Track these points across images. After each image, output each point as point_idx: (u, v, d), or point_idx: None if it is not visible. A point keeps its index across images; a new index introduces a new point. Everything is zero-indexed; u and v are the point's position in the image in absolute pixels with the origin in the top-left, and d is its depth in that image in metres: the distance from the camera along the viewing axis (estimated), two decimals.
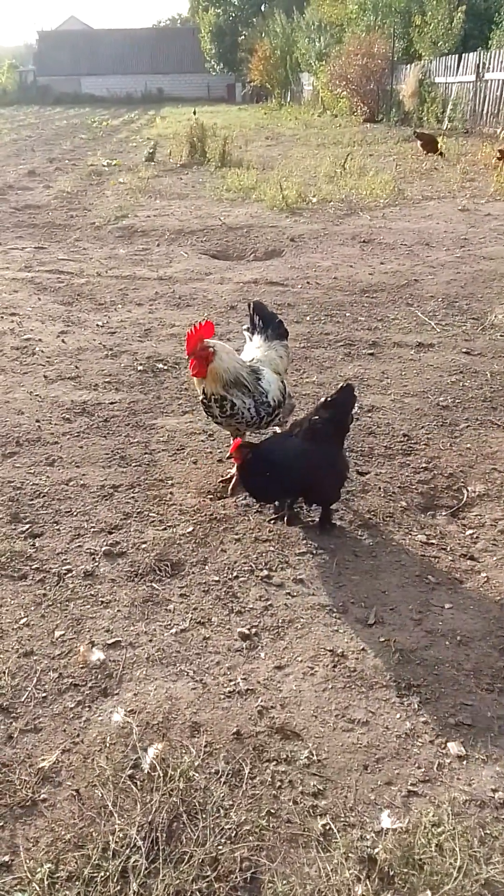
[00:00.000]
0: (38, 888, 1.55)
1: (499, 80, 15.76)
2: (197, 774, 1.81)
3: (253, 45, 33.83)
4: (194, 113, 24.55)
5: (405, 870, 1.60)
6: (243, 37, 38.93)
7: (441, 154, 12.50)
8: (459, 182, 10.36)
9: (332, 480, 2.78)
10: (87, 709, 2.02)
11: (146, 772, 1.81)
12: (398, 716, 2.00)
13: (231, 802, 1.75)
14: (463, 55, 17.18)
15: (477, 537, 2.79)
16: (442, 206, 9.01)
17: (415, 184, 10.45)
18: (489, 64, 16.10)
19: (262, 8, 40.98)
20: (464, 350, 4.61)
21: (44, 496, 3.04)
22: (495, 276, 6.10)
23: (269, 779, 1.82)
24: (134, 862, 1.60)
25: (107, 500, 3.03)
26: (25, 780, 1.81)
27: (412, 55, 19.80)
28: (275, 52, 31.06)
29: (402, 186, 10.11)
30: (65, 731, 1.96)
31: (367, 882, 1.57)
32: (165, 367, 4.42)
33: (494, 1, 19.15)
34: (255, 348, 3.14)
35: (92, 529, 2.83)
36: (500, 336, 4.84)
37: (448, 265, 6.46)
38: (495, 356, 4.52)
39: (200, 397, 2.92)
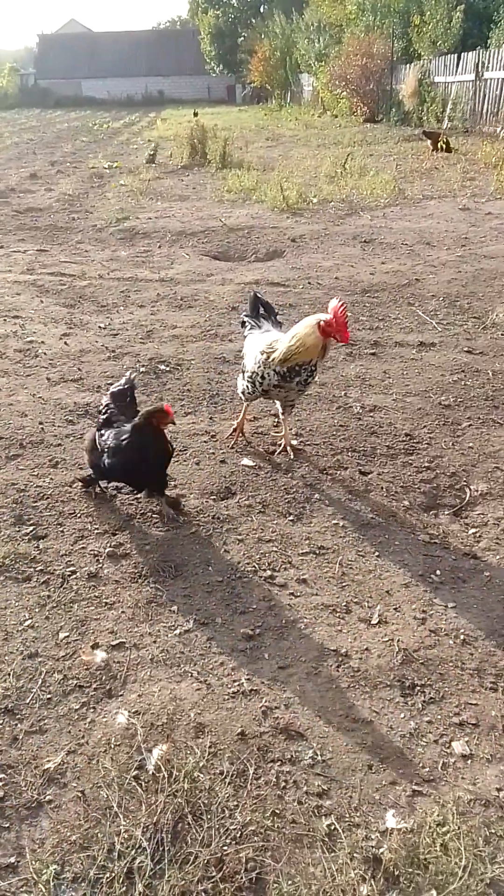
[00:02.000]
0: (43, 889, 1.55)
1: (498, 79, 15.75)
2: (202, 775, 1.82)
3: (252, 46, 33.89)
4: (195, 114, 24.63)
5: (410, 869, 1.60)
6: (243, 38, 39.00)
7: (450, 150, 12.60)
8: (460, 181, 10.36)
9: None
10: (92, 710, 2.03)
11: (151, 773, 1.82)
12: (402, 715, 2.00)
13: (236, 803, 1.75)
14: (462, 54, 17.17)
15: (480, 536, 2.79)
16: (442, 205, 9.01)
17: (415, 183, 10.45)
18: (488, 63, 16.10)
19: (262, 9, 41.10)
20: (465, 349, 4.61)
21: (47, 498, 3.05)
22: (496, 275, 6.10)
23: (274, 779, 1.82)
24: (139, 863, 1.60)
25: (110, 501, 3.03)
26: (31, 782, 1.81)
27: (411, 55, 19.81)
28: (274, 53, 31.12)
29: (402, 186, 10.11)
30: (70, 732, 1.96)
31: (373, 882, 1.57)
32: (167, 369, 4.42)
33: (493, 0, 19.14)
34: (274, 332, 3.30)
35: (95, 531, 2.83)
36: (502, 335, 4.84)
37: (449, 264, 6.46)
38: (497, 355, 4.51)
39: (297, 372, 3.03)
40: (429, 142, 13.28)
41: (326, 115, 23.73)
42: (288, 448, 3.38)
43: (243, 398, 3.36)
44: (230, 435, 3.52)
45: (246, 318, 3.49)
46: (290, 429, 3.50)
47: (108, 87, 48.40)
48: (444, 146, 12.80)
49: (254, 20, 39.42)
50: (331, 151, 14.01)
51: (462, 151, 13.01)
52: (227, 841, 1.66)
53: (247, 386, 3.25)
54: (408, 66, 19.48)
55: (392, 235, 7.56)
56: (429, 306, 5.43)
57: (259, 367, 3.11)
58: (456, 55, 17.44)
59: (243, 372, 3.29)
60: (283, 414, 3.39)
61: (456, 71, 17.36)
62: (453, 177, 10.65)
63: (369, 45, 20.13)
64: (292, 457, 3.34)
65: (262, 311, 3.46)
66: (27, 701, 2.06)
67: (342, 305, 2.88)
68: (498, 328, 4.95)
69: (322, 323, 2.91)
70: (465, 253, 6.82)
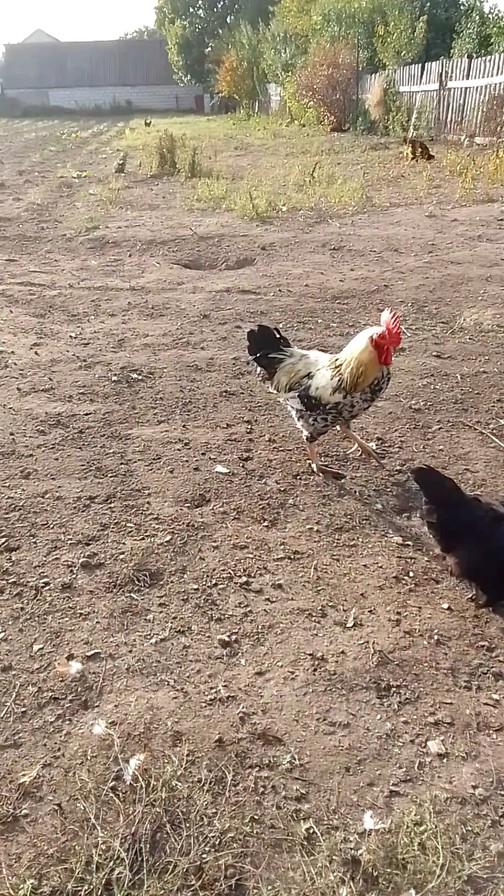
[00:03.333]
0: None
1: (461, 89, 16.10)
2: (180, 784, 1.81)
3: (220, 56, 34.10)
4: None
5: (389, 870, 1.61)
6: (210, 48, 39.22)
7: (430, 158, 12.83)
8: (426, 189, 10.53)
9: None
10: (68, 722, 2.01)
11: (128, 783, 1.80)
12: (378, 717, 2.02)
13: (214, 810, 1.75)
14: (426, 64, 17.52)
15: None
16: (409, 212, 9.15)
17: (382, 191, 10.60)
18: (452, 72, 16.44)
19: (228, 20, 41.34)
20: (434, 353, 4.68)
21: (19, 509, 3.02)
22: (463, 280, 6.21)
23: (253, 785, 1.82)
24: (118, 874, 1.59)
25: (83, 511, 3.01)
26: (6, 796, 1.79)
27: (376, 65, 20.14)
28: (242, 64, 31.35)
29: (370, 194, 10.25)
30: (45, 745, 1.94)
31: (352, 883, 1.58)
32: (140, 377, 4.41)
33: (455, 11, 19.57)
34: (314, 355, 3.24)
35: (69, 541, 2.81)
36: (469, 339, 4.92)
37: (417, 270, 6.56)
38: (465, 359, 4.59)
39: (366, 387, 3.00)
40: (408, 149, 13.46)
41: (294, 124, 23.95)
42: (370, 451, 3.37)
43: (312, 437, 3.21)
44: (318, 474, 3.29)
45: (273, 355, 3.22)
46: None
47: (76, 97, 48.24)
48: (422, 154, 13.03)
49: (220, 30, 39.66)
50: (299, 160, 14.15)
51: (410, 160, 13.22)
52: (206, 848, 1.66)
53: (317, 421, 3.10)
54: (373, 75, 19.79)
55: (360, 243, 7.66)
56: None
57: (338, 397, 3.00)
58: (420, 65, 17.79)
59: (308, 410, 3.09)
60: (348, 428, 3.35)
61: (420, 80, 17.71)
62: (419, 184, 10.82)
63: (335, 55, 20.41)
64: (373, 460, 3.34)
65: (280, 339, 3.25)
66: (1, 715, 2.03)
67: (394, 317, 2.87)
68: (465, 332, 5.03)
69: (375, 337, 2.89)
70: (432, 259, 6.94)
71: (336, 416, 3.09)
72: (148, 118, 26.20)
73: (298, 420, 3.22)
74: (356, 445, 3.41)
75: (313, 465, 3.31)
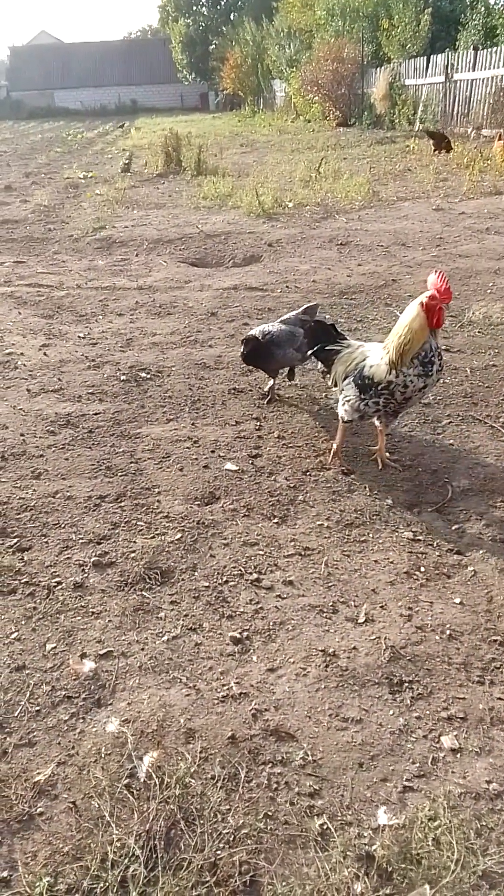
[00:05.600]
0: None
1: (467, 81, 15.99)
2: (193, 780, 1.81)
3: (224, 53, 34.07)
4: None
5: (403, 865, 1.61)
6: (214, 46, 39.18)
7: (450, 149, 12.73)
8: (433, 182, 10.48)
9: None
10: (82, 720, 2.02)
11: (142, 780, 1.81)
12: (391, 712, 2.02)
13: (228, 807, 1.75)
14: (431, 57, 17.41)
15: (463, 532, 2.82)
16: (417, 206, 9.10)
17: (389, 185, 10.55)
18: (457, 64, 16.33)
19: (232, 17, 41.27)
20: (443, 347, 4.65)
21: (31, 510, 3.03)
22: (471, 274, 6.17)
23: (266, 781, 1.82)
24: (133, 871, 1.60)
25: (94, 510, 3.02)
26: (21, 795, 1.80)
27: (381, 59, 20.03)
28: (246, 60, 31.30)
29: (376, 188, 10.20)
30: (59, 743, 1.95)
31: (366, 879, 1.58)
32: (148, 376, 4.42)
33: (459, 3, 19.42)
34: (367, 345, 3.23)
35: (80, 541, 2.82)
36: (478, 332, 4.89)
37: (425, 264, 6.52)
38: (474, 352, 4.57)
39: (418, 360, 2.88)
40: (431, 142, 13.36)
41: (299, 120, 23.88)
42: (380, 460, 3.29)
43: (348, 419, 3.18)
44: (332, 461, 3.32)
45: (331, 347, 3.28)
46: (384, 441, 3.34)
47: (81, 98, 48.32)
48: (445, 146, 12.93)
49: (224, 28, 39.61)
50: (305, 156, 14.11)
51: (434, 152, 13.15)
52: (221, 845, 1.66)
53: (369, 405, 3.03)
54: (378, 69, 19.68)
55: (367, 237, 7.63)
56: (406, 307, 5.47)
57: (391, 376, 2.91)
58: (425, 58, 17.67)
59: (357, 395, 3.06)
60: (382, 425, 3.24)
61: (426, 73, 17.59)
62: (426, 178, 10.76)
63: (339, 49, 20.32)
64: (380, 467, 3.26)
65: (336, 331, 3.31)
66: (15, 714, 2.04)
67: (441, 275, 2.80)
68: (474, 326, 5.00)
69: (425, 300, 2.82)
70: (440, 253, 6.90)
71: (388, 397, 2.97)
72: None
73: (343, 405, 3.17)
74: (379, 446, 3.32)
75: (334, 445, 3.32)
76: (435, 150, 12.98)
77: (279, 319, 4.00)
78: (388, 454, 3.35)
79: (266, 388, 4.07)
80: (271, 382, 4.04)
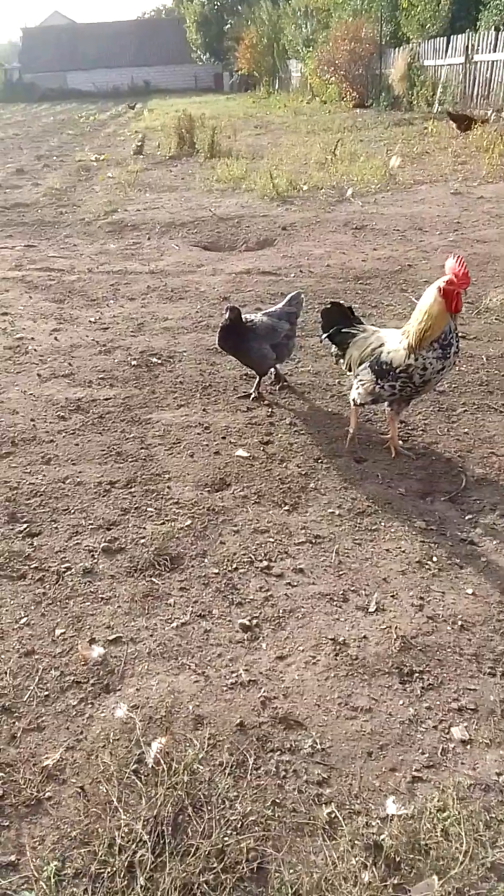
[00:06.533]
0: (45, 886, 1.55)
1: (488, 62, 15.65)
2: (201, 767, 1.81)
3: (239, 33, 33.59)
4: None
5: (411, 855, 1.60)
6: (229, 25, 38.64)
7: (469, 129, 12.50)
8: (451, 165, 10.30)
9: None
10: (90, 706, 2.02)
11: (150, 766, 1.81)
12: (401, 702, 2.00)
13: (236, 794, 1.75)
14: (451, 37, 17.04)
15: (476, 522, 2.78)
16: (434, 190, 8.96)
17: (406, 168, 10.38)
18: (478, 45, 15.98)
19: None
20: (459, 334, 4.58)
21: (41, 495, 3.03)
22: (489, 260, 6.07)
23: (274, 769, 1.82)
24: (140, 856, 1.60)
25: (104, 496, 3.02)
26: (30, 779, 1.81)
27: (400, 39, 19.62)
28: (261, 40, 30.86)
29: (393, 171, 10.04)
30: (68, 728, 1.95)
31: (374, 869, 1.57)
32: (159, 362, 4.40)
33: None
34: (383, 331, 3.22)
35: (90, 526, 2.82)
36: (496, 319, 4.82)
37: (442, 249, 6.42)
38: (490, 340, 4.50)
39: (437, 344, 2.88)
40: (453, 124, 13.13)
41: (315, 101, 23.54)
42: (393, 447, 3.25)
43: (360, 402, 3.17)
44: (348, 445, 3.32)
45: (346, 330, 3.27)
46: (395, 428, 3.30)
47: (94, 79, 47.99)
48: (468, 126, 12.70)
49: (240, 7, 39.03)
50: (320, 138, 13.92)
51: (453, 135, 12.93)
52: (228, 832, 1.66)
53: (385, 389, 3.02)
54: (396, 49, 19.31)
55: (383, 221, 7.52)
56: (422, 292, 5.38)
57: (411, 360, 2.90)
58: (445, 38, 17.30)
59: (372, 380, 3.05)
60: (393, 412, 3.20)
61: (446, 54, 17.23)
62: (444, 161, 10.59)
63: (357, 29, 19.95)
64: (392, 455, 3.22)
65: (352, 315, 3.31)
66: (24, 699, 2.05)
67: (459, 260, 2.78)
68: (491, 313, 4.92)
69: (443, 285, 2.79)
70: (457, 238, 6.79)
71: (406, 381, 2.96)
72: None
73: (357, 388, 3.17)
74: (391, 434, 3.29)
75: (350, 429, 3.33)
76: (461, 132, 12.71)
77: (262, 312, 3.83)
78: (400, 442, 3.31)
79: (253, 387, 3.90)
80: (258, 380, 3.88)
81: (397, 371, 2.97)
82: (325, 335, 3.39)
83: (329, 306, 3.38)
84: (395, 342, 3.03)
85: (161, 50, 50.51)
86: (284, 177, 9.49)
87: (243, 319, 3.63)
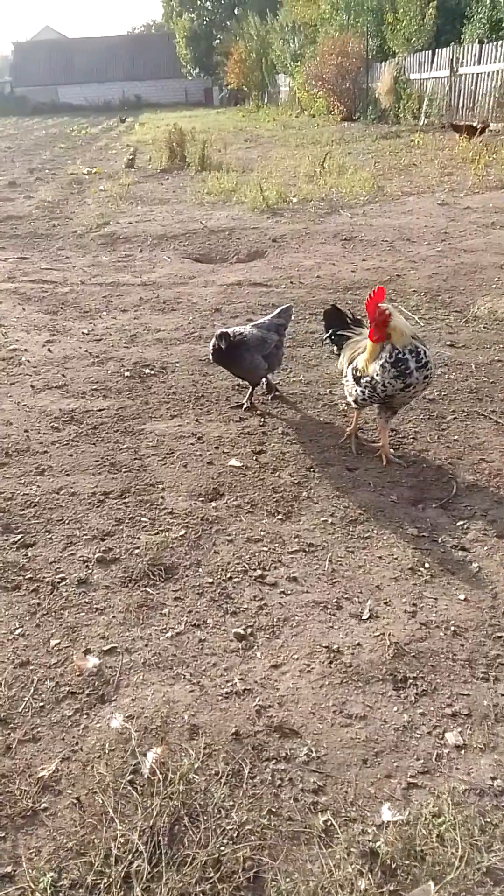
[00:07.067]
0: None
1: (472, 74, 15.88)
2: (197, 776, 1.81)
3: (228, 48, 33.94)
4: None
5: (407, 862, 1.60)
6: (218, 41, 39.03)
7: (472, 134, 12.68)
8: (438, 177, 10.42)
9: None
10: (86, 716, 2.02)
11: (146, 776, 1.81)
12: (395, 709, 2.01)
13: (232, 803, 1.75)
14: (436, 51, 17.29)
15: (468, 528, 2.81)
16: (421, 201, 9.06)
17: (394, 180, 10.50)
18: (462, 58, 16.22)
19: (236, 11, 41.08)
20: (448, 343, 4.64)
21: (35, 506, 3.04)
22: (476, 269, 6.14)
23: (270, 777, 1.82)
24: (136, 867, 1.60)
25: (98, 507, 3.02)
26: (25, 790, 1.80)
27: (386, 53, 19.89)
28: (250, 55, 31.19)
29: (381, 183, 10.15)
30: (63, 739, 1.95)
31: (370, 876, 1.57)
32: (152, 372, 4.42)
33: None
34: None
35: (84, 537, 2.83)
36: (484, 328, 4.87)
37: (430, 259, 6.50)
38: (479, 348, 4.54)
39: (381, 363, 2.98)
40: (457, 135, 13.25)
41: (304, 114, 23.79)
42: (384, 456, 3.28)
43: (349, 401, 3.29)
44: (344, 440, 3.46)
45: (342, 332, 3.38)
46: (387, 436, 3.37)
47: (85, 93, 48.24)
48: (478, 133, 12.83)
49: (228, 22, 39.46)
50: (309, 151, 14.05)
51: (439, 147, 13.08)
52: (224, 841, 1.66)
53: (360, 393, 3.13)
54: (383, 63, 19.57)
55: (372, 232, 7.59)
56: (411, 302, 5.45)
57: (378, 375, 3.00)
58: (430, 52, 17.55)
59: (352, 383, 3.17)
60: (383, 420, 3.27)
61: (431, 67, 17.47)
62: (431, 172, 10.71)
63: (344, 44, 20.22)
64: (384, 464, 3.25)
65: (349, 319, 3.42)
66: (20, 709, 2.04)
67: (370, 294, 2.92)
68: (480, 321, 4.98)
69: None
70: (445, 248, 6.87)
71: (371, 391, 3.06)
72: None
73: (345, 389, 3.32)
74: (381, 442, 3.33)
75: (348, 429, 3.48)
76: (468, 138, 12.81)
77: (252, 324, 3.84)
78: (391, 450, 3.34)
79: (245, 398, 3.90)
80: (251, 390, 3.87)
81: (364, 380, 3.10)
82: (325, 337, 3.54)
83: (329, 309, 3.51)
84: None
85: (152, 65, 50.88)
86: (274, 189, 9.57)
87: (232, 335, 3.61)
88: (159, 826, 1.69)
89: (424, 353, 2.97)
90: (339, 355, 3.45)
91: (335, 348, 3.49)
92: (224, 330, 3.61)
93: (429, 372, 3.01)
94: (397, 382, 2.97)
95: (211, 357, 3.74)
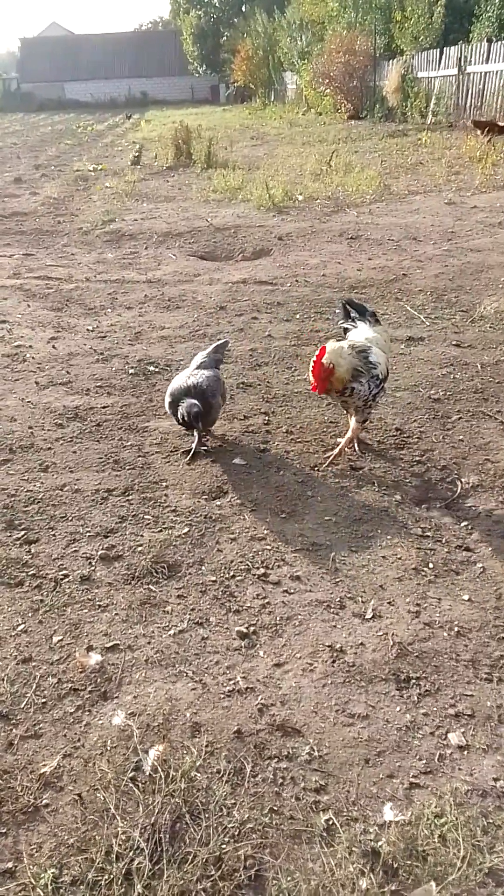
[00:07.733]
0: (42, 894, 1.55)
1: (480, 73, 15.82)
2: (199, 774, 1.81)
3: (235, 45, 33.90)
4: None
5: (409, 862, 1.60)
6: (225, 38, 39.02)
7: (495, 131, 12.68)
8: (445, 176, 10.39)
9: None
10: (88, 713, 2.02)
11: (148, 774, 1.81)
12: (398, 708, 2.01)
13: (233, 801, 1.75)
14: (444, 49, 17.24)
15: (472, 528, 2.80)
16: (428, 200, 9.03)
17: (400, 179, 10.47)
18: (471, 57, 16.16)
19: (243, 8, 41.03)
20: (454, 343, 4.62)
21: (38, 502, 3.04)
22: (483, 268, 6.12)
23: (271, 776, 1.82)
24: (138, 864, 1.60)
25: (102, 504, 3.02)
26: (27, 787, 1.80)
27: (394, 51, 19.85)
28: (257, 52, 31.14)
29: (387, 182, 10.13)
30: (65, 735, 1.95)
31: (371, 875, 1.57)
32: (156, 370, 4.41)
33: None
34: (366, 330, 3.40)
35: (87, 534, 2.83)
36: (490, 327, 4.85)
37: (436, 259, 6.48)
38: (485, 347, 4.53)
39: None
40: (478, 132, 13.21)
41: (310, 112, 23.75)
42: (341, 452, 3.32)
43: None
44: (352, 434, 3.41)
45: (341, 324, 3.55)
46: (352, 436, 3.38)
47: (91, 90, 48.27)
48: (500, 130, 12.82)
49: (236, 19, 39.42)
50: (316, 149, 14.02)
51: (447, 146, 13.04)
52: (226, 839, 1.66)
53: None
54: (390, 62, 19.52)
55: (378, 231, 7.58)
56: (416, 301, 5.44)
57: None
58: (438, 50, 17.50)
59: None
60: (354, 414, 3.32)
61: (439, 66, 17.43)
62: (438, 171, 10.67)
63: (351, 41, 20.17)
64: (337, 463, 3.27)
65: (353, 314, 3.50)
66: (22, 706, 2.05)
67: (313, 359, 3.01)
68: (486, 321, 4.96)
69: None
70: (451, 247, 6.84)
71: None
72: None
73: None
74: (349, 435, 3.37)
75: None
76: (489, 135, 12.75)
77: (195, 365, 3.46)
78: (349, 449, 3.37)
79: (193, 444, 3.39)
80: (197, 436, 3.34)
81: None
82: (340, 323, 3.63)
83: (344, 300, 3.62)
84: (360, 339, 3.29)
85: (158, 61, 50.86)
86: (280, 187, 9.56)
87: (196, 390, 3.26)
88: (161, 823, 1.69)
89: (353, 389, 3.09)
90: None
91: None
92: (192, 402, 3.21)
93: (360, 397, 3.14)
94: (357, 401, 3.17)
95: (189, 425, 3.29)
